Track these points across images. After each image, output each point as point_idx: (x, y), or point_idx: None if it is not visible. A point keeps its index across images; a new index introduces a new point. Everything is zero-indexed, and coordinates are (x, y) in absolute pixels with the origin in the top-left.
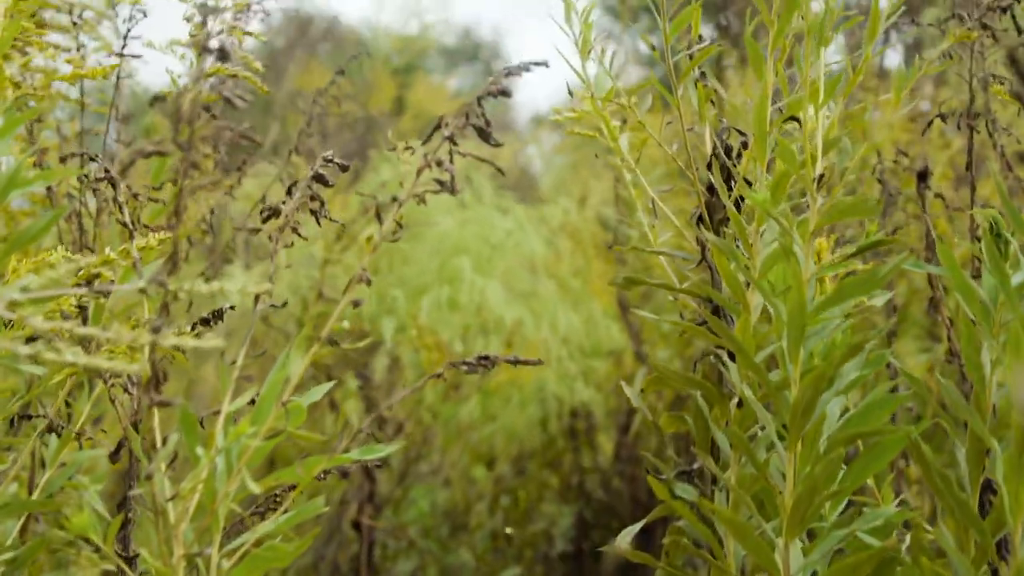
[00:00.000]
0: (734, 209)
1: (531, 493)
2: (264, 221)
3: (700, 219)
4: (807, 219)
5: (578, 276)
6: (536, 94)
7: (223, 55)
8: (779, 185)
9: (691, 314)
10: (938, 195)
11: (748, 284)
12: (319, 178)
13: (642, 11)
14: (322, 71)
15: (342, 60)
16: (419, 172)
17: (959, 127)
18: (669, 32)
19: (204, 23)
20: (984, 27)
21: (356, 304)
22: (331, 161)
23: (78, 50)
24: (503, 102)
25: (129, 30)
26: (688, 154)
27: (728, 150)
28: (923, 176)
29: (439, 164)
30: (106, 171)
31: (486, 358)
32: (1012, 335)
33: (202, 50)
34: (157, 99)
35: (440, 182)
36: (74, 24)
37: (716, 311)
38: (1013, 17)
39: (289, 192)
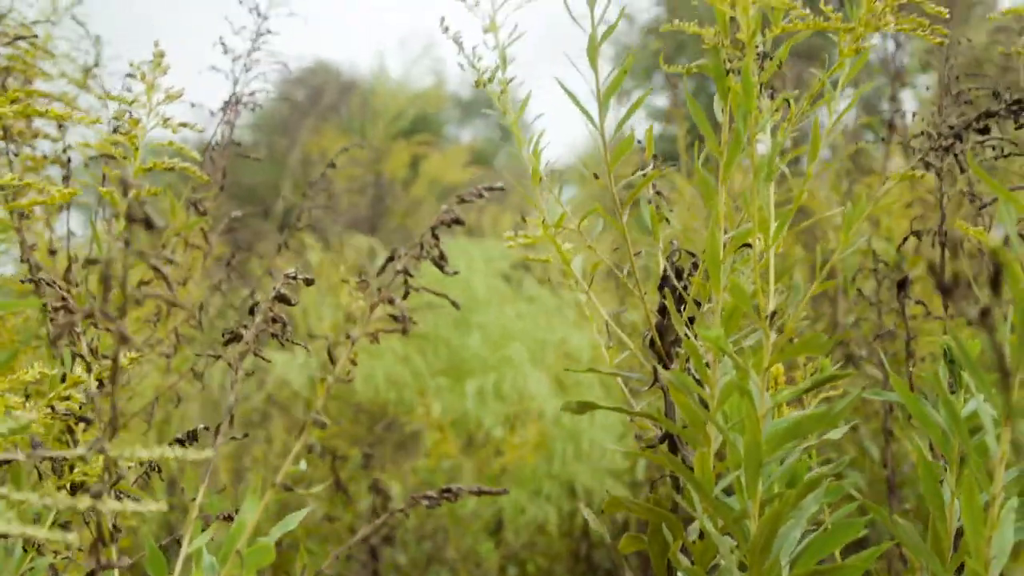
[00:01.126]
0: (686, 333)
1: (539, 565)
2: (225, 344)
3: (652, 343)
4: (761, 354)
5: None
6: (555, 138)
7: (148, 223)
8: (731, 320)
9: (649, 436)
10: (919, 302)
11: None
12: (281, 298)
13: (655, 70)
14: (334, 134)
15: (356, 117)
16: (372, 308)
17: (933, 244)
18: (610, 161)
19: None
20: (952, 154)
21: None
22: (295, 278)
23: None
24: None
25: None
26: (636, 278)
27: (679, 272)
28: (902, 285)
29: (391, 302)
30: (63, 299)
31: (448, 491)
32: (966, 477)
33: (127, 215)
34: (89, 262)
35: (394, 317)
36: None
37: (671, 437)
38: (956, 157)
39: (251, 312)
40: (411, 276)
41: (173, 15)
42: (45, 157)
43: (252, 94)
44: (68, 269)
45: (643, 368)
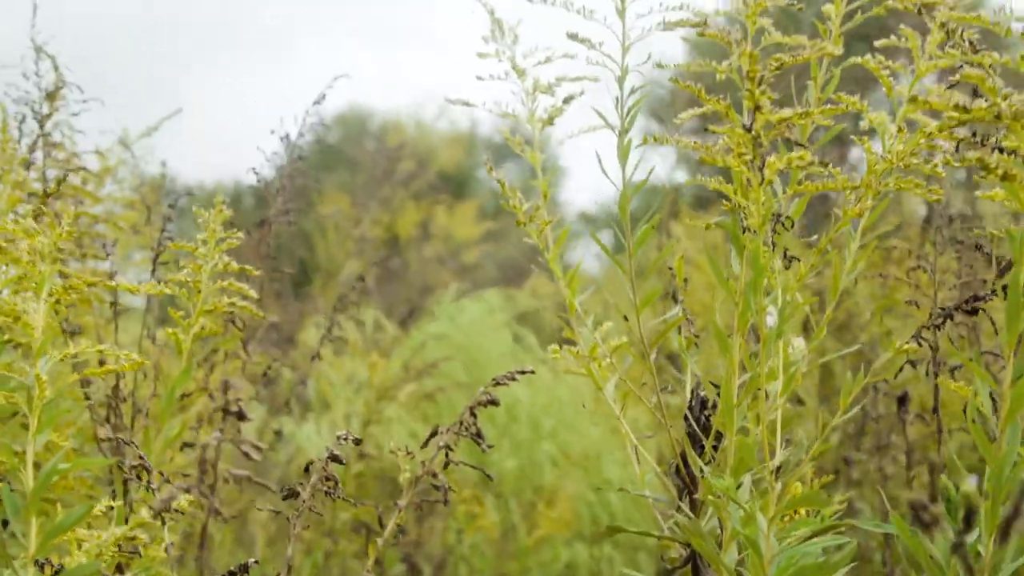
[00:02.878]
0: (702, 470)
1: None
2: (284, 499)
3: (677, 469)
4: (768, 500)
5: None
6: (583, 182)
7: (241, 416)
8: (741, 466)
9: (673, 557)
10: (919, 415)
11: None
12: (334, 458)
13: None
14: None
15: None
16: (416, 480)
17: (927, 373)
18: (639, 305)
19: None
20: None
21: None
22: (345, 438)
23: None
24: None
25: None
26: (663, 411)
27: (703, 403)
28: (903, 401)
29: (434, 475)
30: (141, 458)
31: None
32: None
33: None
34: (186, 446)
35: (436, 486)
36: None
37: (694, 559)
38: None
39: (307, 469)
40: (452, 450)
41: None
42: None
43: (287, 212)
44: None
45: (668, 491)
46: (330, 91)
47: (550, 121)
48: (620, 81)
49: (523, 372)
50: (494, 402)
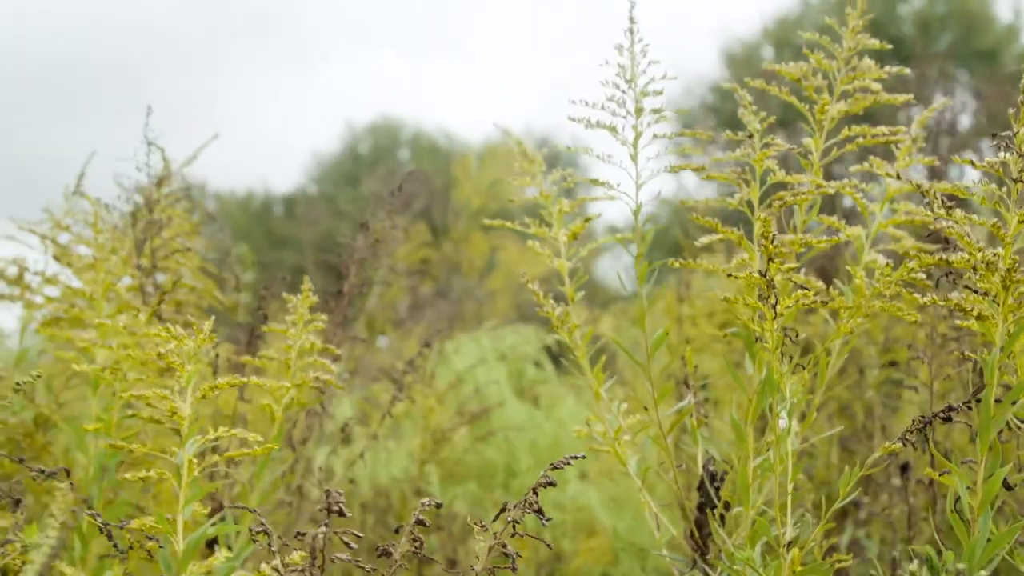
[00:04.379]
0: (718, 532)
1: None
2: (378, 557)
3: (691, 534)
4: (780, 567)
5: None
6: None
7: (341, 513)
8: (755, 539)
9: None
10: (919, 481)
11: None
12: (420, 523)
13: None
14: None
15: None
16: (490, 550)
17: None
18: (657, 399)
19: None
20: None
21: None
22: (431, 504)
23: None
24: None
25: None
26: (678, 484)
27: (712, 476)
28: (904, 469)
29: (504, 546)
30: (261, 523)
31: None
32: None
33: None
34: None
35: (505, 555)
36: None
37: None
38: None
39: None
40: (518, 524)
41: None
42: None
43: (362, 285)
44: None
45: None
46: (360, 101)
47: (574, 237)
48: (635, 213)
49: (575, 457)
50: (552, 484)
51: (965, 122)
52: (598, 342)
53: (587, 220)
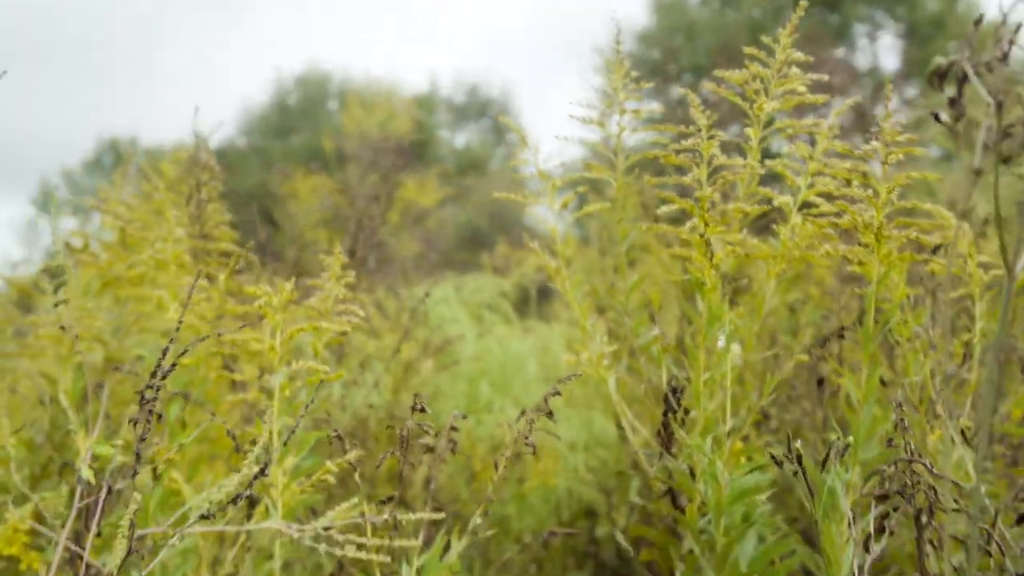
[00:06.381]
0: (674, 432)
1: (555, 564)
2: (424, 453)
3: (659, 434)
4: (723, 450)
5: (583, 386)
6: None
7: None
8: (705, 430)
9: (657, 488)
10: (833, 393)
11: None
12: (454, 428)
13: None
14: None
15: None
16: (515, 440)
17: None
18: (633, 327)
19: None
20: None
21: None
22: (457, 417)
23: None
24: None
25: None
26: (651, 397)
27: (675, 390)
28: (820, 383)
29: (527, 438)
30: (336, 431)
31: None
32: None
33: None
34: None
35: (528, 443)
36: None
37: (673, 492)
38: (808, 352)
39: (437, 435)
40: (535, 421)
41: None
42: None
43: None
44: None
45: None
46: (289, 53)
47: (565, 206)
48: (618, 187)
49: (572, 377)
50: (559, 394)
51: (892, 63)
52: (584, 287)
53: (576, 192)
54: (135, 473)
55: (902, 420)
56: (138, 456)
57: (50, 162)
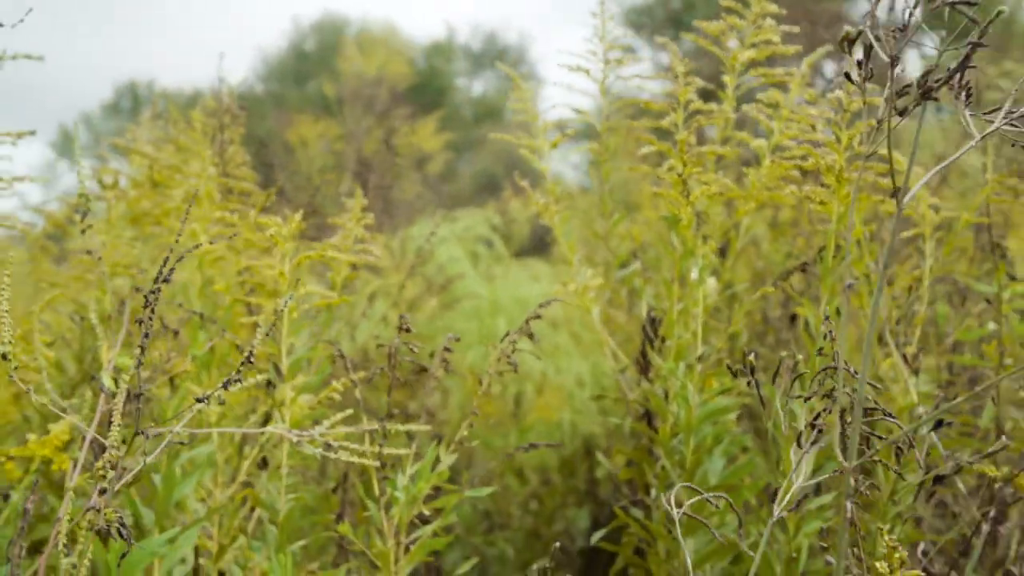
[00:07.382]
0: (651, 360)
1: (555, 500)
2: (416, 374)
3: (638, 361)
4: (694, 374)
5: (587, 329)
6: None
7: None
8: (678, 355)
9: (637, 411)
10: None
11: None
12: (448, 349)
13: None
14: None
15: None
16: (498, 359)
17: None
18: (616, 262)
19: None
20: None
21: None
22: (454, 339)
23: None
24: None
25: None
26: (628, 326)
27: (652, 320)
28: (793, 318)
29: (508, 357)
30: (339, 351)
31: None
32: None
33: None
34: None
35: (511, 363)
36: None
37: (649, 414)
38: (775, 284)
39: (431, 355)
40: (516, 344)
41: None
42: None
43: None
44: None
45: (632, 374)
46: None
47: (555, 146)
48: (602, 132)
49: (551, 301)
50: (539, 316)
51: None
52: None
53: (564, 135)
54: (140, 364)
55: (830, 331)
56: (142, 349)
57: (67, 108)
